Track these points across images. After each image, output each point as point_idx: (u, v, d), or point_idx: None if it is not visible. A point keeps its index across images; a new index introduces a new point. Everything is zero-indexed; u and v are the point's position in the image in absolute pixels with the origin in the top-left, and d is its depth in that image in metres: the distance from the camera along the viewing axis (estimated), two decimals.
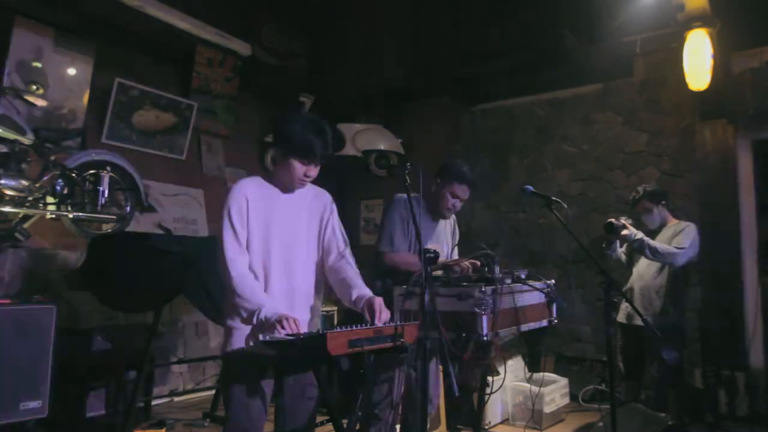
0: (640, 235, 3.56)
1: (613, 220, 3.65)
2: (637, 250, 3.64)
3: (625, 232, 3.57)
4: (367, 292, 2.22)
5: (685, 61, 4.29)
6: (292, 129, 2.17)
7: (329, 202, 2.36)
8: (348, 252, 2.33)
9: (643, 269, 3.70)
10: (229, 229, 2.10)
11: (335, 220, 2.34)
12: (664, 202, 3.74)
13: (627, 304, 3.64)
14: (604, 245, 3.83)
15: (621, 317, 3.75)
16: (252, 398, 2.09)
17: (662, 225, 3.72)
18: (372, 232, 6.23)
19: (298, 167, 2.15)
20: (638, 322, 3.56)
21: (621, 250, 3.84)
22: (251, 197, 2.15)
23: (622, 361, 3.79)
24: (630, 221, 3.68)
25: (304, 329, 2.05)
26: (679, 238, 3.56)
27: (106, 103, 4.48)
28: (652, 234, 3.68)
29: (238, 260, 2.07)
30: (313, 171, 2.19)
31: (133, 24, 4.64)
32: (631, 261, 3.81)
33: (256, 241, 2.13)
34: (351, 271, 2.28)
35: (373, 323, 2.07)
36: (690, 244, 3.52)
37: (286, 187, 2.22)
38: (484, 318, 2.45)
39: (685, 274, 3.76)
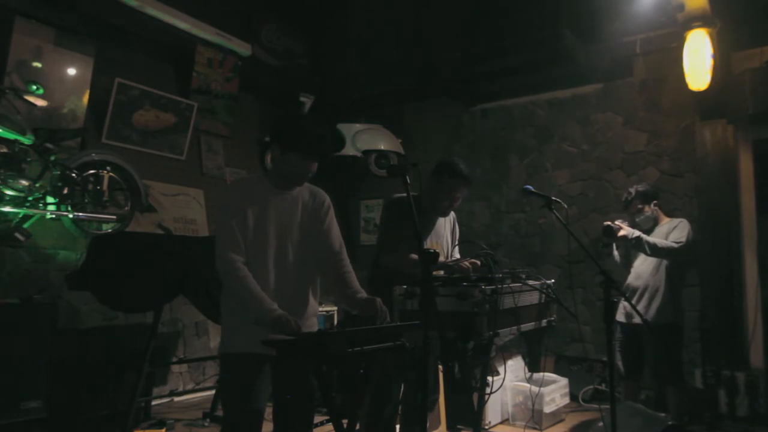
0: (637, 233, 3.59)
1: (609, 222, 3.66)
2: (636, 248, 3.66)
3: (622, 232, 3.59)
4: (363, 292, 2.22)
5: (685, 61, 4.29)
6: (293, 126, 2.17)
7: (326, 201, 2.35)
8: (343, 252, 2.33)
9: (641, 268, 3.72)
10: (226, 229, 2.10)
11: (332, 220, 2.34)
12: (656, 201, 3.78)
13: (626, 303, 3.65)
14: (601, 246, 3.84)
15: (620, 316, 3.76)
16: (250, 398, 2.08)
17: (655, 224, 3.76)
18: (372, 232, 6.23)
19: (298, 163, 2.15)
20: (637, 320, 3.58)
21: (616, 252, 3.86)
22: (248, 196, 2.15)
23: (621, 360, 3.79)
24: (626, 222, 3.70)
25: (303, 329, 2.05)
26: (675, 233, 3.61)
27: (106, 103, 4.48)
28: (646, 233, 3.70)
29: (236, 260, 2.07)
30: (313, 167, 2.19)
31: (133, 24, 4.64)
32: (628, 261, 3.82)
33: (253, 240, 2.12)
34: (346, 271, 2.28)
35: (372, 323, 2.07)
36: (686, 239, 3.57)
37: (284, 186, 2.22)
38: (484, 318, 2.45)
39: (682, 272, 3.79)
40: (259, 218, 2.14)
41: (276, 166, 2.22)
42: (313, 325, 2.27)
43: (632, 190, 3.79)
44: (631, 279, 3.76)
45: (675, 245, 3.54)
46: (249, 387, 2.09)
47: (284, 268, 2.18)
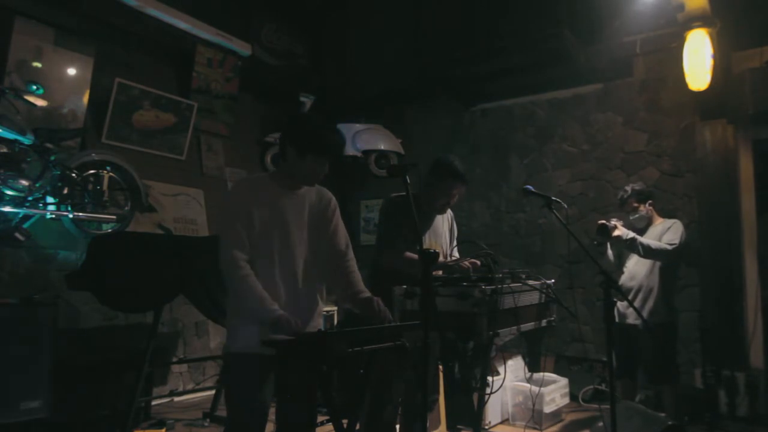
0: (632, 234, 3.59)
1: (605, 221, 3.67)
2: (629, 249, 3.66)
3: (617, 233, 3.60)
4: (366, 292, 2.22)
5: (685, 61, 4.30)
6: (309, 128, 2.17)
7: (332, 201, 2.35)
8: (350, 252, 2.33)
9: (635, 269, 3.72)
10: (231, 228, 2.10)
11: (338, 219, 2.34)
12: (650, 201, 3.78)
13: (620, 303, 3.65)
14: (595, 243, 3.85)
15: None
16: (254, 398, 2.08)
17: (649, 224, 3.76)
18: (372, 232, 6.23)
19: (314, 166, 2.16)
20: (630, 321, 3.60)
21: (609, 252, 3.86)
22: (254, 195, 2.15)
23: (615, 360, 3.79)
24: (621, 222, 3.70)
25: (306, 329, 2.05)
26: (669, 234, 3.62)
27: (106, 103, 4.48)
28: (640, 233, 3.70)
29: (240, 259, 2.06)
30: (326, 169, 2.20)
31: (133, 24, 4.64)
32: (620, 261, 3.83)
33: (258, 240, 2.12)
34: (351, 271, 2.29)
35: (372, 323, 2.07)
36: (680, 240, 3.57)
37: (291, 186, 2.22)
38: (484, 318, 2.45)
39: (675, 272, 3.79)
40: (266, 218, 2.14)
41: (288, 167, 2.21)
42: (319, 325, 2.27)
43: (628, 189, 3.80)
44: (625, 279, 3.76)
45: (668, 247, 3.54)
46: (252, 387, 2.09)
47: (289, 266, 2.17)
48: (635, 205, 3.75)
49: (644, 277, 3.66)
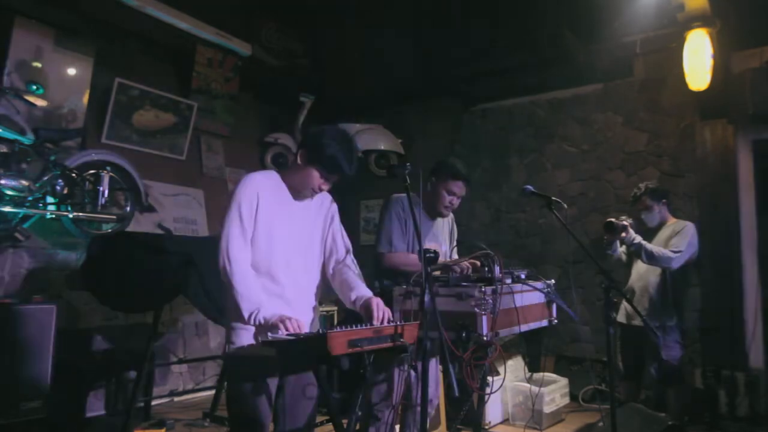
0: (638, 239, 3.55)
1: (613, 219, 3.64)
2: (634, 253, 3.64)
3: (623, 234, 3.57)
4: (367, 293, 2.22)
5: (685, 61, 4.29)
6: (325, 141, 2.14)
7: (332, 206, 2.37)
8: (350, 257, 2.35)
9: (644, 269, 3.69)
10: (235, 223, 2.09)
11: (337, 225, 2.36)
12: (665, 200, 3.74)
13: (626, 304, 3.63)
14: (605, 241, 3.83)
15: (620, 317, 3.75)
16: (256, 398, 2.09)
17: (661, 223, 3.71)
18: (372, 232, 6.23)
19: (317, 178, 2.16)
20: (637, 322, 3.56)
21: (621, 250, 3.83)
22: (263, 193, 2.14)
23: (622, 361, 3.79)
24: (630, 221, 3.67)
25: (305, 329, 2.05)
26: (677, 239, 3.55)
27: (106, 103, 4.48)
28: (651, 232, 3.67)
29: (240, 257, 2.06)
30: (327, 186, 2.20)
31: (133, 24, 4.64)
32: (631, 261, 3.80)
33: (260, 239, 2.12)
34: (352, 274, 2.29)
35: (372, 323, 2.07)
36: (687, 246, 3.52)
37: (295, 190, 2.23)
38: (484, 318, 2.45)
39: (685, 274, 3.76)
40: (270, 217, 2.14)
41: (293, 170, 2.22)
42: (316, 325, 2.29)
43: (642, 186, 3.73)
44: (633, 280, 3.74)
45: (672, 255, 3.47)
46: (255, 386, 2.09)
47: (290, 268, 2.18)
48: (649, 203, 3.70)
49: (651, 279, 3.63)
